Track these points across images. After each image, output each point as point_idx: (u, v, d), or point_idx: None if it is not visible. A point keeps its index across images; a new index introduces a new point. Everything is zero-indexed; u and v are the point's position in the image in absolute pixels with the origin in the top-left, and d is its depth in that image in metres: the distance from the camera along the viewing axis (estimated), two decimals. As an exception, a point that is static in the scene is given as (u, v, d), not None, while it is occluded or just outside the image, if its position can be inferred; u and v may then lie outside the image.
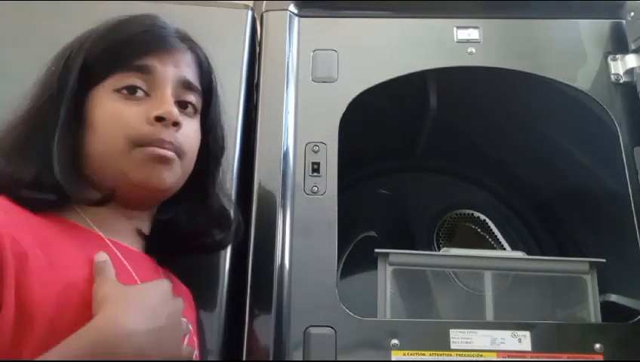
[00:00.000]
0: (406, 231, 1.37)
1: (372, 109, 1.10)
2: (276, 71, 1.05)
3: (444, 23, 1.10)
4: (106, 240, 0.66)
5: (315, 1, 1.12)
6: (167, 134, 0.67)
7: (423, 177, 1.41)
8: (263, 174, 0.97)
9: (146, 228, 0.74)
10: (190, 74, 0.73)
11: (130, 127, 0.66)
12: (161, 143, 0.66)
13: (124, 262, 0.65)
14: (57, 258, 0.58)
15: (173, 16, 1.08)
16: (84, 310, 0.56)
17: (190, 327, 0.72)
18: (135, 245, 0.71)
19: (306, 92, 1.04)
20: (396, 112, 1.26)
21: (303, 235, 0.93)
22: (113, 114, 0.66)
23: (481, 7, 1.13)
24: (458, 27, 1.09)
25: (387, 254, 0.96)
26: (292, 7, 1.10)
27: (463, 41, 1.08)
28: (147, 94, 0.68)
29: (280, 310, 0.88)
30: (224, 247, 0.85)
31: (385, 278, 0.94)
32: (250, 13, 1.11)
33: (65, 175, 0.63)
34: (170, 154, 0.67)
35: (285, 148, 0.99)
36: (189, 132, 0.71)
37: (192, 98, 0.73)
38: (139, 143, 0.66)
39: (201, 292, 0.87)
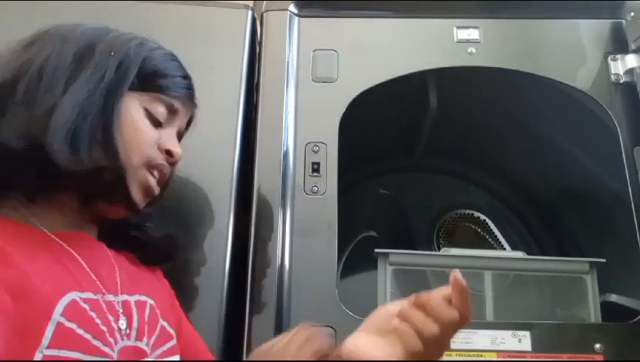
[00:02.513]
0: (406, 231, 1.37)
1: (372, 109, 1.10)
2: (276, 71, 1.05)
3: (444, 23, 1.10)
4: (49, 234, 0.65)
5: (315, 1, 1.12)
6: (168, 169, 0.73)
7: (423, 177, 1.41)
8: (263, 174, 0.97)
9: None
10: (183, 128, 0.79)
11: (146, 146, 0.70)
12: (163, 170, 0.72)
13: (71, 251, 0.65)
14: (10, 259, 0.58)
15: (174, 16, 1.09)
16: (40, 304, 0.56)
17: (152, 302, 0.71)
18: (86, 229, 0.71)
19: (306, 92, 1.04)
20: (396, 112, 1.26)
21: (303, 235, 0.93)
22: (139, 127, 0.70)
23: (481, 7, 1.13)
24: (458, 27, 1.10)
25: (387, 254, 0.96)
26: (292, 7, 1.11)
27: (463, 41, 1.09)
28: (162, 124, 0.73)
29: (280, 310, 0.88)
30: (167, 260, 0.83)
31: (385, 278, 0.94)
32: (250, 13, 1.11)
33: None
34: (156, 191, 0.73)
35: (285, 148, 0.99)
36: None
37: None
38: (147, 164, 0.70)
39: (201, 293, 0.87)
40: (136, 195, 0.70)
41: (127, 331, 0.65)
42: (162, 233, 0.79)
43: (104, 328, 0.61)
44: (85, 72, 0.67)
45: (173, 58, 0.76)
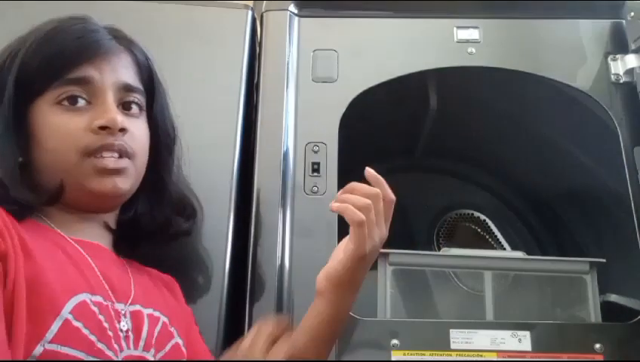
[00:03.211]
0: (406, 231, 1.37)
1: (372, 109, 1.10)
2: (276, 71, 1.05)
3: (444, 23, 1.10)
4: (68, 239, 0.67)
5: (315, 1, 1.12)
6: (114, 139, 0.67)
7: (423, 177, 1.41)
8: (263, 174, 0.97)
9: (112, 223, 0.75)
10: (129, 76, 0.72)
11: (75, 138, 0.66)
12: (110, 147, 0.67)
13: (87, 257, 0.66)
14: (29, 251, 0.59)
15: (174, 16, 1.09)
16: (51, 299, 0.57)
17: (165, 319, 0.71)
18: (101, 239, 0.72)
19: (306, 92, 1.04)
20: (396, 112, 1.26)
21: (303, 235, 0.93)
22: (57, 127, 0.66)
23: (481, 7, 1.13)
24: (458, 27, 1.10)
25: (387, 254, 0.96)
26: (292, 7, 1.11)
27: (463, 41, 1.09)
28: (89, 102, 0.68)
29: (280, 310, 0.88)
30: (190, 234, 0.84)
31: (385, 278, 0.94)
32: (250, 13, 1.11)
33: (15, 186, 0.64)
34: (121, 164, 0.68)
35: (285, 148, 0.99)
36: (137, 132, 0.71)
37: (135, 98, 0.72)
38: (88, 153, 0.66)
39: (201, 293, 0.87)
40: (101, 185, 0.67)
41: (134, 340, 0.65)
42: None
43: (110, 333, 0.61)
44: None
45: (48, 37, 0.68)
